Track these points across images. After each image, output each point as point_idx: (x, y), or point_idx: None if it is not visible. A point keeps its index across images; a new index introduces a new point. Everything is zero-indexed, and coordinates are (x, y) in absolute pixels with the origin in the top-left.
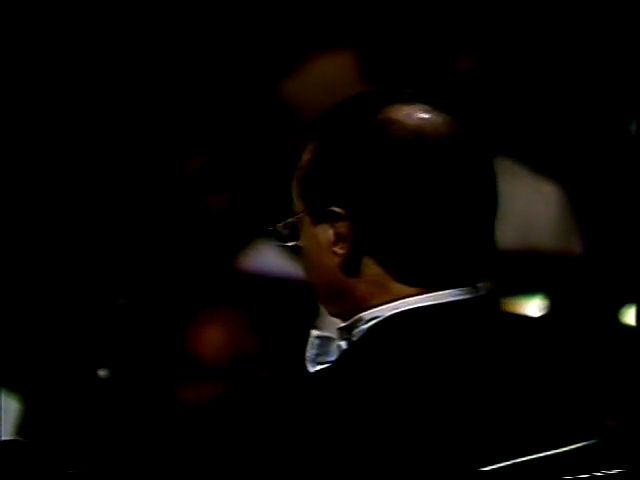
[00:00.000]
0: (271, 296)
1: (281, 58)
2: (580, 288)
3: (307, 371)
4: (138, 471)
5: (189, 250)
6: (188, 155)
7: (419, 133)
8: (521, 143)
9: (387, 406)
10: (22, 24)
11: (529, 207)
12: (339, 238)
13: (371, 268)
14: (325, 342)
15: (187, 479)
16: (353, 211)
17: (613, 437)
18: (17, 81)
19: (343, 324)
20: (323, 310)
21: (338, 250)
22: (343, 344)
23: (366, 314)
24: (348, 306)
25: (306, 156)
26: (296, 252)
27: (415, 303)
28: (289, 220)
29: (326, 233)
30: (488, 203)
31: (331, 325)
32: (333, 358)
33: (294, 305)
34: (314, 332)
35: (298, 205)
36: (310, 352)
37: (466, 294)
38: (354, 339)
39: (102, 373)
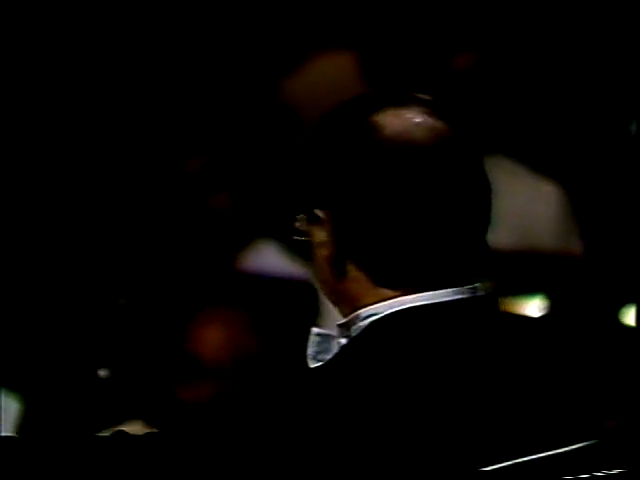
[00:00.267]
0: (271, 296)
1: (281, 58)
2: (580, 288)
3: (306, 368)
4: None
5: (189, 250)
6: (188, 155)
7: (405, 138)
8: (521, 143)
9: (384, 404)
10: (22, 24)
11: (529, 207)
12: (323, 241)
13: (352, 271)
14: (325, 339)
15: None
16: (334, 215)
17: (613, 437)
18: (17, 81)
19: (342, 321)
20: (324, 309)
21: (324, 252)
22: (343, 341)
23: (362, 312)
24: (345, 303)
25: (302, 158)
26: (307, 249)
27: (410, 302)
28: (297, 218)
29: (316, 234)
30: (477, 208)
31: (332, 323)
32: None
33: (294, 305)
34: (314, 330)
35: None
36: (311, 350)
37: (461, 294)
38: (353, 335)
39: (102, 373)
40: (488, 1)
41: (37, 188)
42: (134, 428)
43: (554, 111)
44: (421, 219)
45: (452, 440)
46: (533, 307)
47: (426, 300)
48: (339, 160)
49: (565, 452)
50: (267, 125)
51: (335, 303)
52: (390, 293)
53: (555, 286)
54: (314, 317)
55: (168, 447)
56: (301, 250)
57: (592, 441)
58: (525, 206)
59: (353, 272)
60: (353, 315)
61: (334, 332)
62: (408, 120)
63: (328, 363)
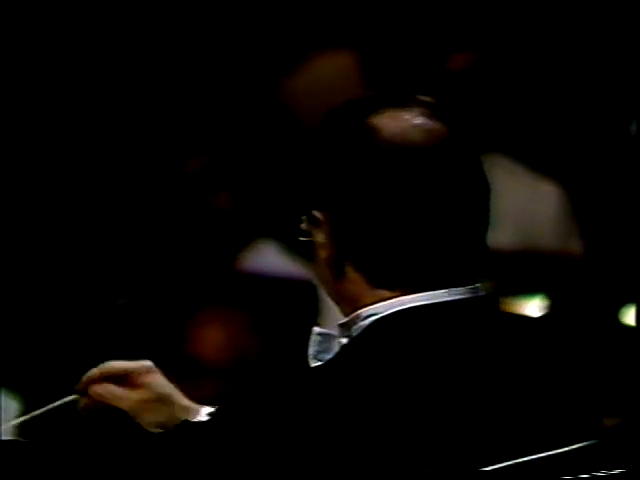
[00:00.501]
0: (271, 296)
1: (281, 58)
2: (580, 288)
3: (306, 367)
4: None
5: (189, 250)
6: (188, 155)
7: (402, 139)
8: (521, 143)
9: (385, 403)
10: (22, 24)
11: (529, 207)
12: (322, 242)
13: (351, 272)
14: (326, 339)
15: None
16: (332, 216)
17: (613, 437)
18: (17, 81)
19: (342, 320)
20: (324, 308)
21: (323, 253)
22: (344, 341)
23: (363, 311)
24: (345, 304)
25: (302, 159)
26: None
27: (410, 302)
28: (301, 219)
29: (316, 236)
30: (475, 208)
31: (333, 322)
32: None
33: (294, 305)
34: (316, 329)
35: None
36: (312, 349)
37: (461, 294)
38: (353, 335)
39: None
40: (488, 1)
41: (37, 188)
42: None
43: (554, 111)
44: (418, 220)
45: (451, 439)
46: (533, 307)
47: (426, 300)
48: (336, 162)
49: (565, 452)
50: (267, 125)
51: (337, 303)
52: (388, 294)
53: (555, 286)
54: (314, 317)
55: (171, 448)
56: (304, 251)
57: (592, 441)
58: (525, 206)
59: (352, 273)
60: (354, 315)
61: (335, 332)
62: (405, 121)
63: (329, 362)
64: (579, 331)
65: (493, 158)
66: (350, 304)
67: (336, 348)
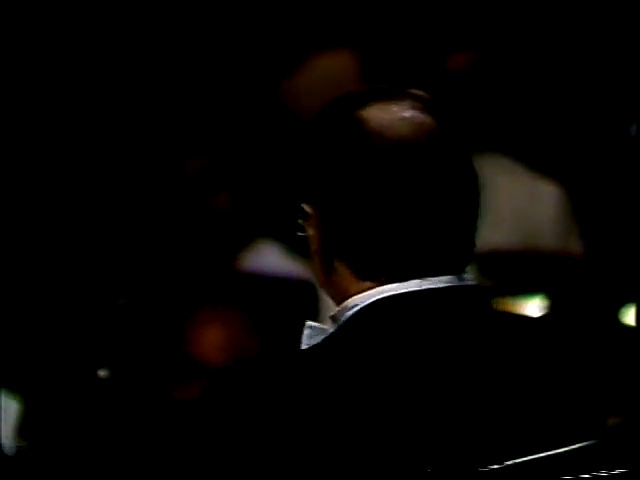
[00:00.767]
0: (271, 296)
1: (281, 58)
2: (580, 288)
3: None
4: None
5: (189, 250)
6: (188, 155)
7: (390, 132)
8: (521, 143)
9: (360, 389)
10: (22, 24)
11: (528, 206)
12: (312, 236)
13: (339, 266)
14: (318, 332)
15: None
16: (320, 210)
17: (614, 437)
18: (17, 81)
19: (333, 312)
20: (324, 308)
21: (313, 247)
22: None
23: (349, 302)
24: (336, 296)
25: (295, 154)
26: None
27: (390, 291)
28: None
29: (308, 229)
30: (462, 202)
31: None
32: None
33: (294, 305)
34: (308, 322)
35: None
36: (304, 342)
37: (446, 282)
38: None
39: (102, 373)
40: (488, 1)
41: (37, 188)
42: None
43: (554, 111)
44: (401, 212)
45: (428, 428)
46: (533, 307)
47: (405, 288)
48: (323, 154)
49: (566, 452)
50: (267, 125)
51: (330, 297)
52: (373, 285)
53: (555, 286)
54: (314, 317)
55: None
56: (303, 250)
57: (593, 441)
58: (524, 206)
59: (340, 267)
60: (341, 306)
61: (327, 325)
62: (394, 114)
63: (310, 349)
64: (579, 331)
65: (493, 158)
66: (340, 297)
67: None
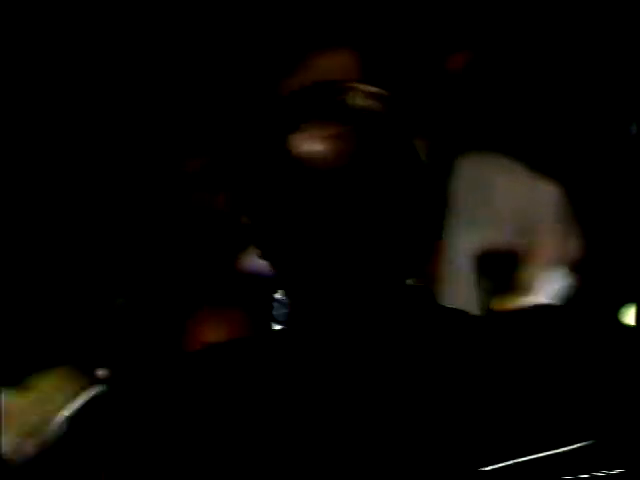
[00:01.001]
0: (271, 296)
1: (282, 58)
2: (580, 288)
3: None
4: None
5: (188, 250)
6: (188, 155)
7: (311, 161)
8: (521, 143)
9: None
10: (22, 23)
11: (528, 206)
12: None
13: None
14: (282, 305)
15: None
16: (252, 222)
17: (613, 437)
18: (17, 81)
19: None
20: None
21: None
22: None
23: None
24: None
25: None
26: None
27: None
28: None
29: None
30: (383, 227)
31: None
32: None
33: None
34: (275, 295)
35: None
36: (274, 312)
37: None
38: None
39: (101, 373)
40: (488, 1)
41: (36, 188)
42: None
43: (554, 110)
44: (313, 239)
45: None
46: (532, 307)
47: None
48: (255, 173)
49: (565, 452)
50: (267, 125)
51: None
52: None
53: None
54: None
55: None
56: None
57: (592, 441)
58: (524, 206)
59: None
60: None
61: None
62: (319, 142)
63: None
64: (578, 331)
65: (493, 158)
66: None
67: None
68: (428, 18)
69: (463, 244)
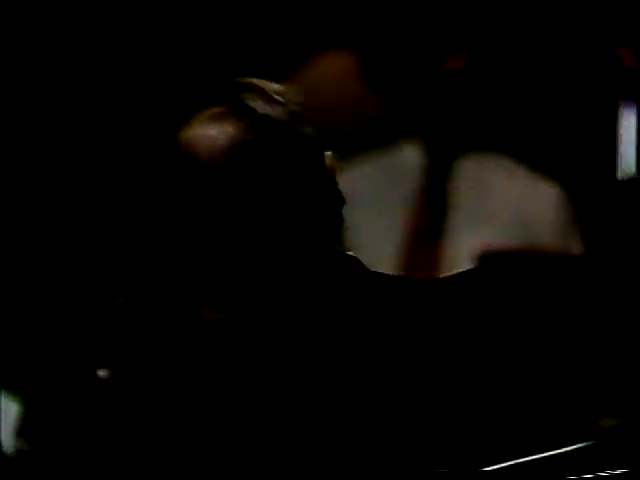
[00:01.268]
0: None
1: (282, 59)
2: (580, 288)
3: None
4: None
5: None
6: None
7: (194, 156)
8: (521, 143)
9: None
10: (22, 23)
11: (528, 207)
12: None
13: None
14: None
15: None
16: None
17: (616, 437)
18: (17, 81)
19: None
20: None
21: None
22: None
23: None
24: None
25: None
26: None
27: None
28: None
29: None
30: (249, 234)
31: None
32: None
33: None
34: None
35: None
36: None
37: None
38: None
39: (101, 373)
40: (488, 1)
41: (36, 188)
42: None
43: (554, 111)
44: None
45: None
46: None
47: None
48: (156, 164)
49: (569, 452)
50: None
51: None
52: None
53: (555, 286)
54: None
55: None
56: None
57: (596, 441)
58: (524, 206)
59: None
60: None
61: None
62: (206, 139)
63: None
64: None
65: (492, 158)
66: None
67: None
68: (428, 18)
69: (463, 245)
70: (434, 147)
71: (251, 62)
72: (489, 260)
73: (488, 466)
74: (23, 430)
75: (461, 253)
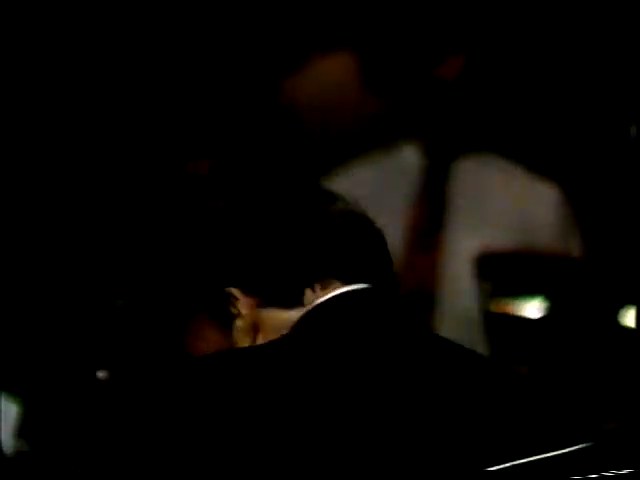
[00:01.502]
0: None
1: (282, 59)
2: (580, 289)
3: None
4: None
5: (189, 250)
6: (189, 157)
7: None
8: (519, 144)
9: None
10: (22, 23)
11: (527, 207)
12: None
13: None
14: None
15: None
16: None
17: (621, 437)
18: (17, 81)
19: None
20: None
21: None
22: None
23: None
24: None
25: None
26: None
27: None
28: None
29: None
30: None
31: None
32: None
33: None
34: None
35: None
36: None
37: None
38: None
39: (101, 374)
40: (488, 2)
41: (36, 188)
42: None
43: (553, 111)
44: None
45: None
46: (532, 308)
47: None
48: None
49: (573, 452)
50: (268, 127)
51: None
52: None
53: (554, 287)
54: None
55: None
56: None
57: (601, 441)
58: (523, 207)
59: None
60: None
61: None
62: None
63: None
64: (579, 332)
65: (491, 159)
66: None
67: None
68: (428, 20)
69: (462, 246)
70: (433, 148)
71: (251, 62)
72: (488, 260)
73: (492, 466)
74: (23, 430)
75: (460, 254)
